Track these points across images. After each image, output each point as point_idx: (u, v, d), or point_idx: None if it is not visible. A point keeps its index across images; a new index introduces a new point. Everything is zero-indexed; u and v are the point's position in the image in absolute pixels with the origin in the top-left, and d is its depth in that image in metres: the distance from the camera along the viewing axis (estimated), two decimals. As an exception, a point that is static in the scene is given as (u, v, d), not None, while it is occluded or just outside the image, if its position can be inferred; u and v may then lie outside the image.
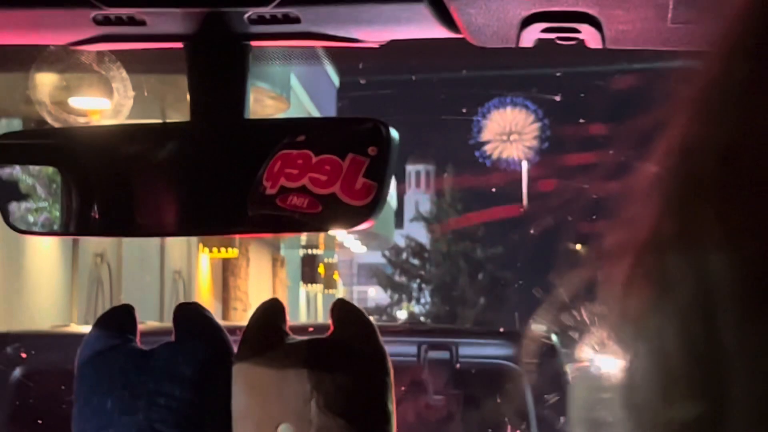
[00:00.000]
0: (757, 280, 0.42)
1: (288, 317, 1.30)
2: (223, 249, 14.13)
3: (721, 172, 0.44)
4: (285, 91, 10.62)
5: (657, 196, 0.46)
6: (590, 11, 1.16)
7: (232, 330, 1.31)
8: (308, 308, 21.58)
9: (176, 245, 12.92)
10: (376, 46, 1.29)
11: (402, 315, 29.77)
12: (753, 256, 0.42)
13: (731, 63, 0.46)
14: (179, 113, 8.11)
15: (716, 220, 0.43)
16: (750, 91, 0.44)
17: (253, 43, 1.27)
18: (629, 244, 0.46)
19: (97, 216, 1.28)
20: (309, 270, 19.94)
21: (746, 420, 0.42)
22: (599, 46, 1.22)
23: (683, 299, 0.44)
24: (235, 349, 1.26)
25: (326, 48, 1.34)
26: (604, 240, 0.49)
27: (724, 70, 0.46)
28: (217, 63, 1.27)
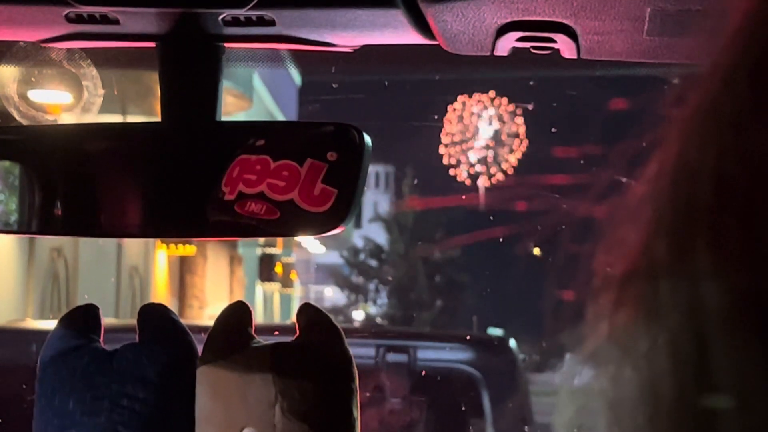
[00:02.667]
0: (748, 312, 0.41)
1: (254, 320, 1.29)
2: (180, 246, 14.08)
3: (714, 200, 0.43)
4: (248, 89, 10.59)
5: (647, 219, 0.45)
6: (566, 21, 1.16)
7: (198, 330, 1.30)
8: (265, 306, 21.53)
9: (134, 241, 12.86)
10: (350, 50, 1.29)
11: (358, 316, 29.75)
12: (744, 288, 0.42)
13: (728, 85, 0.45)
14: (140, 109, 8.09)
15: (708, 249, 0.43)
16: (747, 117, 0.43)
17: (227, 45, 1.26)
18: (617, 265, 0.46)
19: (61, 214, 1.27)
20: (266, 269, 19.89)
21: None
22: (574, 56, 1.22)
23: (673, 327, 0.43)
24: (200, 351, 1.25)
25: (293, 50, 1.34)
26: (589, 258, 0.48)
27: (720, 92, 0.45)
28: (189, 64, 1.26)
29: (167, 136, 1.27)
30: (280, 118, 17.43)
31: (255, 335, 1.26)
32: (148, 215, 1.27)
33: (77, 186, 1.27)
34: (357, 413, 1.23)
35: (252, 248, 19.40)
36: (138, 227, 1.29)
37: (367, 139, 1.20)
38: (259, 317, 20.19)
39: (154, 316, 1.28)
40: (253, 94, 11.31)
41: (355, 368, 1.24)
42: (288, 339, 1.26)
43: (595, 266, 0.48)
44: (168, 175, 1.25)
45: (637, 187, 0.47)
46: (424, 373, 4.44)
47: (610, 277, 0.46)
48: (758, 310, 0.41)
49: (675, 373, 0.43)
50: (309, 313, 1.27)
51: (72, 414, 1.21)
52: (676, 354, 0.43)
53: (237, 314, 1.27)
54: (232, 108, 10.54)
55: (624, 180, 0.49)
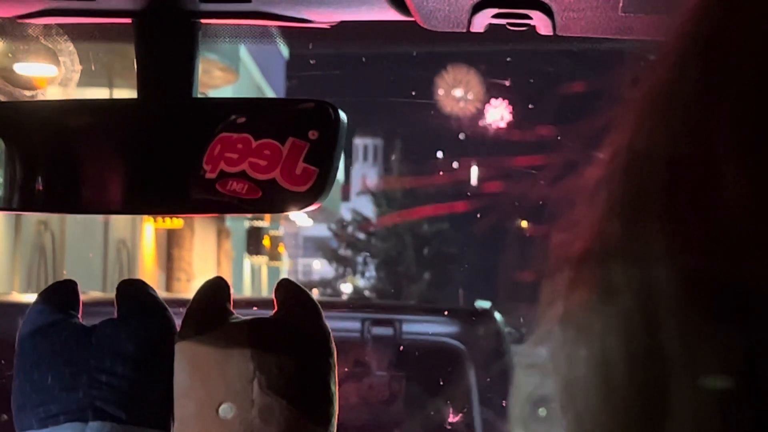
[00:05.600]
0: (697, 292, 0.42)
1: (232, 295, 1.29)
2: (168, 219, 14.05)
3: (665, 182, 0.43)
4: (234, 63, 10.56)
5: (602, 200, 0.46)
6: (541, -2, 1.16)
7: (177, 303, 1.30)
8: (253, 280, 21.52)
9: (120, 215, 12.81)
10: (327, 27, 1.29)
11: (346, 288, 29.75)
12: (694, 268, 0.42)
13: (680, 68, 0.45)
14: (128, 83, 8.06)
15: (660, 232, 0.43)
16: (698, 100, 0.44)
17: (203, 21, 1.26)
18: (572, 246, 0.46)
19: (41, 191, 1.27)
20: (254, 242, 19.87)
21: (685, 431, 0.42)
22: (550, 33, 1.22)
23: (626, 308, 0.43)
24: (179, 326, 1.25)
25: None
26: (548, 239, 0.48)
27: (673, 74, 0.45)
28: (165, 40, 1.26)
29: (144, 113, 1.27)
30: (268, 91, 17.39)
31: (233, 311, 1.27)
32: (129, 192, 1.26)
33: (57, 163, 1.26)
34: (335, 388, 1.23)
35: (240, 222, 19.38)
36: (118, 204, 1.29)
37: (344, 116, 1.20)
38: (247, 290, 20.19)
39: (132, 292, 1.28)
40: (239, 67, 11.27)
41: (333, 343, 1.25)
42: (266, 314, 1.26)
43: (552, 247, 0.48)
44: (146, 152, 1.25)
45: (594, 167, 0.47)
46: (405, 347, 4.44)
47: (566, 258, 0.46)
48: (708, 291, 0.42)
49: (627, 352, 0.43)
50: (287, 288, 1.27)
51: (50, 389, 1.21)
52: (629, 333, 0.43)
53: (215, 290, 1.27)
54: (219, 81, 10.52)
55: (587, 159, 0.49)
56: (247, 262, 20.73)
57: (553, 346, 0.47)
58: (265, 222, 19.94)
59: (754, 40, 0.43)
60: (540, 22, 1.21)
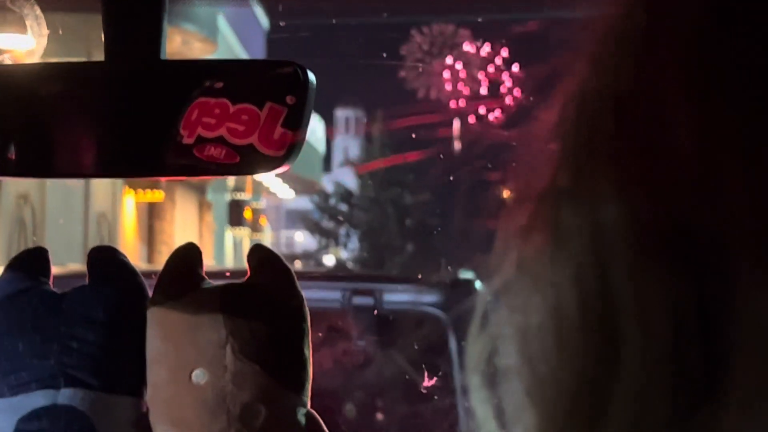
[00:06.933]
0: (646, 236, 0.42)
1: (204, 261, 1.28)
2: (149, 191, 14.03)
3: (614, 125, 0.43)
4: (212, 33, 10.51)
5: (554, 146, 0.45)
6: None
7: (150, 274, 1.29)
8: (235, 252, 21.54)
9: (101, 187, 12.80)
10: None
11: (329, 260, 29.79)
12: (643, 211, 0.42)
13: (627, 13, 0.45)
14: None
15: (608, 173, 0.43)
16: (644, 44, 0.43)
17: None
18: (527, 192, 0.46)
19: (12, 157, 1.25)
20: (236, 214, 19.88)
21: (636, 378, 0.42)
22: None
23: (577, 252, 0.43)
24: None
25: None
26: (503, 187, 0.48)
27: (620, 20, 0.45)
28: (131, 1, 1.25)
29: (112, 75, 1.26)
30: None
31: (206, 277, 1.26)
32: (102, 154, 1.25)
33: (27, 126, 1.25)
34: (309, 353, 1.23)
35: (221, 194, 19.38)
36: (92, 167, 1.28)
37: (314, 79, 1.19)
38: (229, 262, 20.20)
39: (103, 259, 1.27)
40: (218, 37, 11.22)
41: (307, 308, 1.24)
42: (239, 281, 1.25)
43: (506, 193, 0.48)
44: (118, 114, 1.24)
45: (548, 111, 0.47)
46: (385, 315, 4.45)
47: (520, 204, 0.46)
48: (656, 234, 0.42)
49: (580, 297, 0.43)
50: (260, 253, 1.26)
51: (21, 356, 1.21)
52: (581, 278, 0.43)
53: (187, 256, 1.27)
54: (198, 52, 10.46)
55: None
56: (229, 234, 20.74)
57: (508, 293, 0.46)
58: (246, 194, 19.94)
59: None
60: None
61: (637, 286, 0.42)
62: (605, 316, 0.42)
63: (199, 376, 1.20)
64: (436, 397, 3.93)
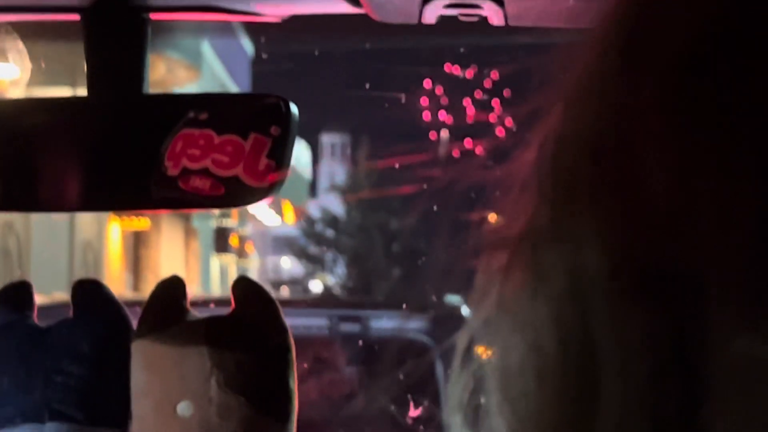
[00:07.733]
0: (624, 276, 0.42)
1: (190, 289, 1.28)
2: (135, 219, 14.00)
3: (591, 168, 0.44)
4: (196, 60, 10.52)
5: (534, 185, 0.46)
6: (492, -13, 1.16)
7: (135, 304, 1.29)
8: (221, 278, 21.50)
9: (86, 216, 12.76)
10: (277, 20, 1.28)
11: (316, 286, 29.74)
12: (620, 252, 0.42)
13: (603, 53, 0.45)
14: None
15: (587, 216, 0.43)
16: (619, 85, 0.44)
17: (153, 16, 1.25)
18: (507, 231, 0.46)
19: None
20: (222, 241, 19.84)
21: (615, 418, 0.42)
22: (502, 23, 1.22)
23: (556, 293, 0.43)
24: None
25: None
26: (483, 226, 0.48)
27: (594, 61, 0.45)
28: (114, 36, 1.25)
29: (95, 110, 1.26)
30: (232, 88, 17.34)
31: (190, 309, 1.26)
32: (88, 189, 1.26)
33: (12, 161, 1.25)
34: (294, 384, 1.23)
35: (207, 221, 19.35)
36: (78, 201, 1.28)
37: (296, 111, 1.20)
38: (215, 289, 20.16)
39: (87, 292, 1.27)
40: (202, 65, 11.23)
41: (292, 339, 1.24)
42: (224, 312, 1.25)
43: (486, 232, 0.48)
44: (102, 149, 1.24)
45: (528, 151, 0.47)
46: (372, 343, 4.44)
47: (500, 244, 0.46)
48: (634, 275, 0.42)
49: (559, 337, 0.43)
50: (244, 285, 1.26)
51: (6, 391, 1.20)
52: (560, 318, 0.43)
53: (171, 288, 1.27)
54: (182, 80, 10.47)
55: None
56: (216, 261, 20.69)
57: (489, 333, 0.46)
58: (232, 221, 19.91)
59: (675, 26, 0.43)
60: (491, 12, 1.20)
61: (616, 325, 0.42)
62: (584, 355, 0.42)
63: (184, 408, 1.20)
64: (422, 428, 3.92)
